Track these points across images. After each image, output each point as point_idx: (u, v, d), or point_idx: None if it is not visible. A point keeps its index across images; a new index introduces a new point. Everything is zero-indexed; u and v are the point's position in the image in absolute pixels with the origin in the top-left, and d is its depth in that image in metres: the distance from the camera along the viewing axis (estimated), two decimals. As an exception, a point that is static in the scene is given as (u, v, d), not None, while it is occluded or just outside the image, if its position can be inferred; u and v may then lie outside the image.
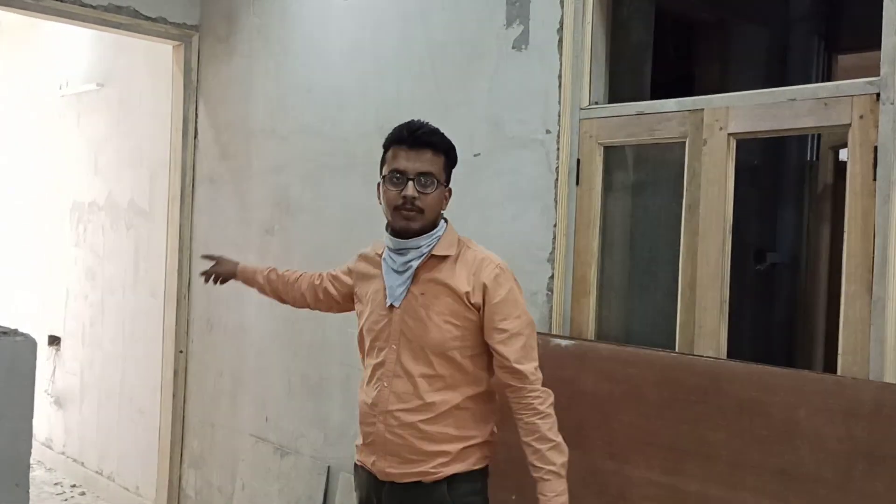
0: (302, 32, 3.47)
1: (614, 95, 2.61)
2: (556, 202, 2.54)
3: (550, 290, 2.54)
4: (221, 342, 3.86)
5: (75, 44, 5.00)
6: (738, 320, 2.92)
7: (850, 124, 1.92)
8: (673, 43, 3.27)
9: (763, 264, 3.43)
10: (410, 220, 1.90)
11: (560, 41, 2.52)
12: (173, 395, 4.05)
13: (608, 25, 2.56)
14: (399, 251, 1.94)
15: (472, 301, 1.89)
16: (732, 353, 2.18)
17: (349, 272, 2.19)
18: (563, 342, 2.43)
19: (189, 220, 4.06)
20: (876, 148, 1.86)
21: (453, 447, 1.92)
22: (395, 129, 1.98)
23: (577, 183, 2.50)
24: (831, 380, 1.90)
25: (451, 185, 2.00)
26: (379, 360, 1.96)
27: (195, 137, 4.05)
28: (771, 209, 3.51)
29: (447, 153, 1.97)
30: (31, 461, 4.62)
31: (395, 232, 1.94)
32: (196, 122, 4.05)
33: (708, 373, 2.09)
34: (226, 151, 3.87)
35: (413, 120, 1.98)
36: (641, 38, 2.78)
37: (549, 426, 1.86)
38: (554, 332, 2.52)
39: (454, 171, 2.02)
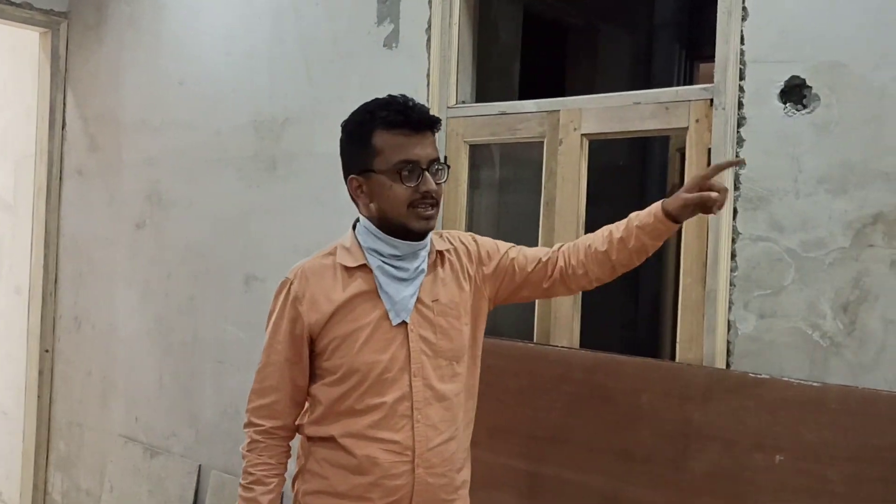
0: (174, 23, 3.40)
1: (485, 95, 2.68)
2: (424, 198, 2.59)
3: (418, 284, 2.59)
4: (90, 341, 3.74)
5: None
6: (605, 313, 3.06)
7: (687, 127, 2.05)
8: (545, 46, 3.39)
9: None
10: (430, 218, 1.59)
11: (428, 41, 2.58)
12: (38, 396, 3.89)
13: (475, 26, 2.63)
14: (407, 257, 1.62)
15: (480, 276, 1.71)
16: (601, 345, 2.27)
17: (296, 316, 1.63)
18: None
19: (56, 213, 3.91)
20: (709, 150, 1.99)
21: (469, 466, 1.73)
22: (376, 107, 1.63)
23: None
24: (669, 366, 2.03)
25: None
26: (398, 394, 1.58)
27: (63, 128, 3.90)
28: (636, 207, 3.69)
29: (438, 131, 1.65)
30: None
31: (410, 234, 1.59)
32: (64, 112, 3.90)
33: (562, 362, 2.18)
34: (95, 143, 3.75)
35: (394, 96, 1.63)
36: (510, 39, 2.87)
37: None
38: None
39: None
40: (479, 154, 2.60)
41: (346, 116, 2.88)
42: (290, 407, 1.68)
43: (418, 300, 1.61)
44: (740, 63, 1.96)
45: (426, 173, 1.56)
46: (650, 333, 3.51)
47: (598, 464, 2.06)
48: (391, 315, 1.59)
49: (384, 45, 2.70)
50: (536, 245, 2.29)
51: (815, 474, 1.77)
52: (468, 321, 1.68)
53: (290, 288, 1.64)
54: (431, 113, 1.62)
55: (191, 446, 3.26)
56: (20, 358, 4.01)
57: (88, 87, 3.79)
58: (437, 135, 1.62)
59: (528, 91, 2.83)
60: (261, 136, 3.06)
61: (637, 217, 1.71)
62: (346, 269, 1.63)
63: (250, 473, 1.66)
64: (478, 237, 1.78)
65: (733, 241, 1.96)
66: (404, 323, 1.59)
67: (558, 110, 2.30)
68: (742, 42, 1.96)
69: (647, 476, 1.95)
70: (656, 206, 1.69)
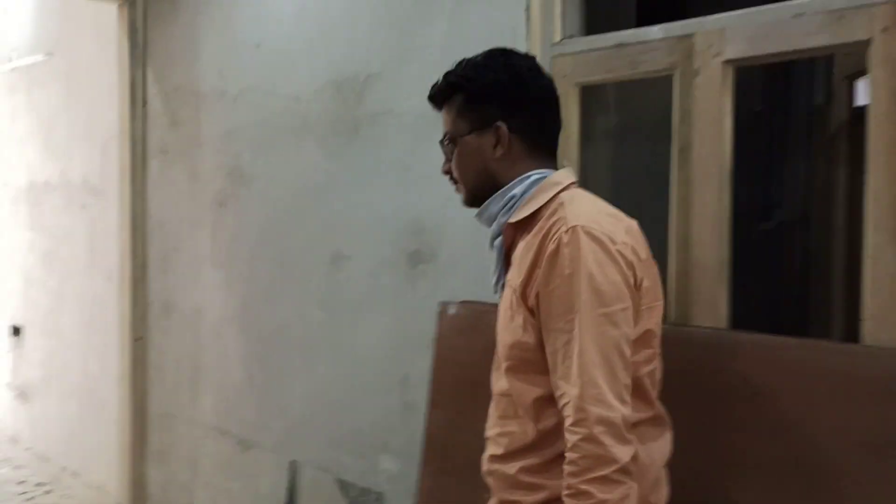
0: (248, -20, 3.11)
1: (593, 29, 2.25)
2: (527, 155, 2.20)
3: (524, 256, 2.21)
4: (179, 328, 3.54)
5: (21, 12, 4.65)
6: (742, 288, 2.59)
7: (870, 39, 1.57)
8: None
9: (769, 223, 3.09)
10: (458, 193, 1.54)
11: (526, -33, 2.17)
12: (132, 387, 3.74)
13: (582, -54, 2.20)
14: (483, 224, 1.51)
15: (526, 294, 1.33)
16: (735, 324, 1.85)
17: None
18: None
19: (142, 195, 3.72)
20: (905, 66, 1.51)
21: (527, 499, 1.38)
22: None
23: (551, 131, 2.15)
24: (856, 350, 1.56)
25: (498, 123, 1.41)
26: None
27: (144, 105, 3.70)
28: (777, 161, 3.16)
29: (457, 91, 1.46)
30: (-1, 458, 4.19)
31: None
32: (145, 87, 3.70)
33: (706, 346, 1.76)
34: (176, 118, 3.53)
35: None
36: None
37: None
38: (529, 305, 2.19)
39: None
40: (590, 97, 2.18)
41: (431, 66, 2.53)
42: None
43: (500, 278, 1.49)
44: (948, -55, 1.47)
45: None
46: (799, 310, 2.98)
47: (756, 480, 1.62)
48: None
49: (475, -21, 2.31)
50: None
51: None
52: (519, 320, 1.35)
53: None
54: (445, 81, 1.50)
55: (281, 441, 3.01)
56: (115, 346, 3.87)
57: (166, 59, 3.57)
58: (453, 106, 1.48)
59: (647, 22, 2.38)
60: (342, 98, 2.73)
61: None
62: None
63: None
64: (558, 263, 1.27)
65: (941, 184, 1.48)
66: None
67: (692, 34, 1.85)
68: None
69: (832, 495, 1.51)
70: None
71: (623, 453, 1.19)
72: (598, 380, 1.20)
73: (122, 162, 3.76)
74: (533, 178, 1.40)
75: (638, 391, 1.31)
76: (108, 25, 3.83)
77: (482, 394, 2.21)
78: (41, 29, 4.51)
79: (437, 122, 2.47)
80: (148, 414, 3.75)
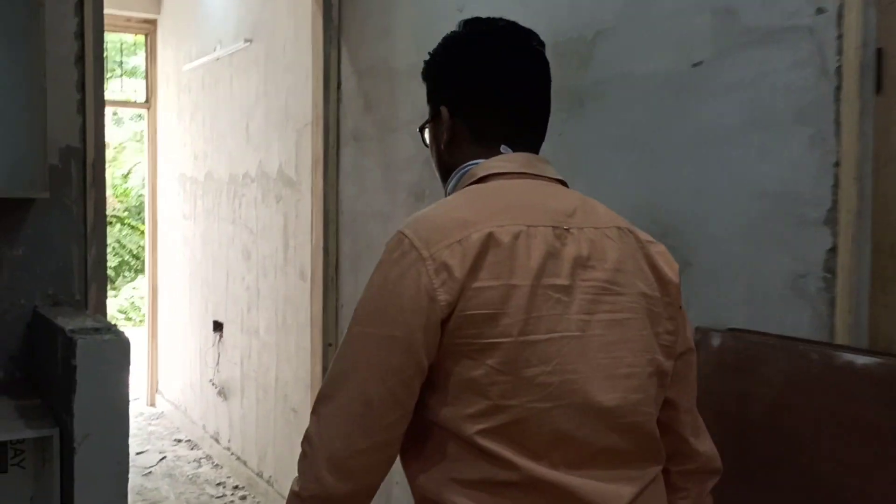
0: (450, -68, 2.64)
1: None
2: (836, 125, 1.54)
3: (830, 271, 1.55)
4: (371, 335, 3.17)
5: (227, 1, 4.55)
6: None
7: None
8: None
9: None
10: None
11: None
12: (323, 396, 3.43)
13: None
14: None
15: None
16: None
17: None
18: (858, 359, 1.44)
19: (334, 187, 3.39)
20: None
21: None
22: None
23: (878, 90, 1.48)
24: None
25: (441, 107, 1.24)
26: None
27: (338, 88, 3.36)
28: None
29: (426, 79, 1.31)
30: (200, 455, 4.15)
31: None
32: (339, 68, 3.36)
33: None
34: (369, 101, 3.15)
35: None
36: None
37: None
38: (839, 342, 1.53)
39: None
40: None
41: (688, 13, 1.94)
42: None
43: None
44: None
45: None
46: None
47: None
48: None
49: None
50: None
51: None
52: None
53: None
54: None
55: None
56: (307, 350, 3.60)
57: (361, 35, 3.20)
58: (426, 88, 1.30)
59: None
60: (563, 64, 2.18)
61: None
62: None
63: None
64: None
65: None
66: None
67: None
68: None
69: None
70: None
71: (297, 483, 1.09)
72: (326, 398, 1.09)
73: (315, 151, 3.45)
74: (466, 170, 1.21)
75: (469, 451, 1.04)
76: (304, 4, 3.55)
77: (754, 458, 1.61)
78: (242, 16, 4.35)
79: (686, 87, 1.88)
80: (339, 427, 3.42)
